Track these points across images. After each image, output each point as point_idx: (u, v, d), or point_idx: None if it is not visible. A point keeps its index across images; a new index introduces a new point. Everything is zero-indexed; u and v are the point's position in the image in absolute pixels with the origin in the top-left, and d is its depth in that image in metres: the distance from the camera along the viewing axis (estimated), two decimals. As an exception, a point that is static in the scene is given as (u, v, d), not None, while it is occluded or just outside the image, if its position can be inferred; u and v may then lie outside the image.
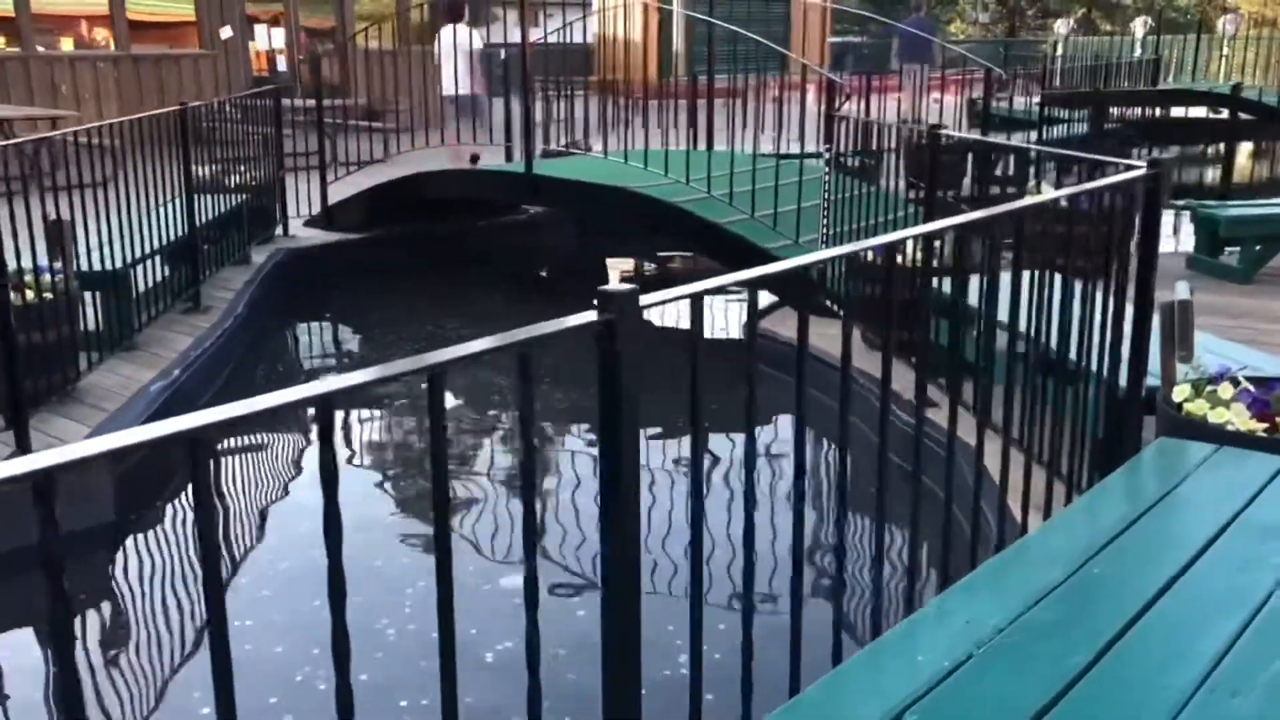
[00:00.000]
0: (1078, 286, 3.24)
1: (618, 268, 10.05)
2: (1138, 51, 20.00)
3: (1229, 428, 2.98)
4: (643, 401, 1.53)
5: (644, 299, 1.48)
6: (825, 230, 6.16)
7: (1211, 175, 14.30)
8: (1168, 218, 9.11)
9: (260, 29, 17.62)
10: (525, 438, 1.47)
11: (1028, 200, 3.01)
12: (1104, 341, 3.28)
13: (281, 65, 17.98)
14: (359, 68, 17.20)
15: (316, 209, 8.97)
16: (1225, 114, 12.90)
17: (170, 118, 6.53)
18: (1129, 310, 3.17)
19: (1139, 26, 21.29)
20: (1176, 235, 8.15)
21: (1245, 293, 6.52)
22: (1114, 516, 2.55)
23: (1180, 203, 7.32)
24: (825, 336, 5.88)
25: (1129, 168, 3.04)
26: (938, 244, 4.31)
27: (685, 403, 1.81)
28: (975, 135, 8.42)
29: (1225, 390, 3.07)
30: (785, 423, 5.63)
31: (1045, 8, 47.45)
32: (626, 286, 1.44)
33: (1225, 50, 20.07)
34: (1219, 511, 2.53)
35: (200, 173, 7.42)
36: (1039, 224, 3.23)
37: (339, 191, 9.09)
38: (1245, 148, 17.78)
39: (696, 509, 1.90)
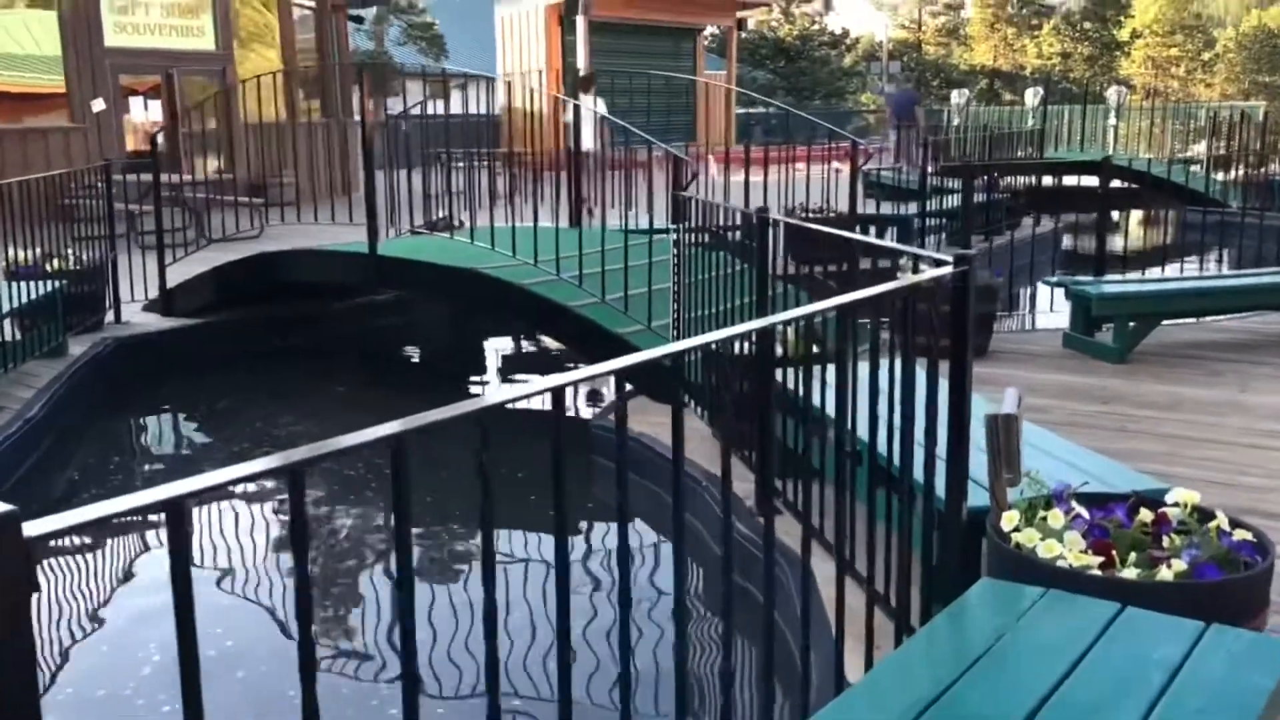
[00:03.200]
0: (897, 391, 2.82)
1: (497, 349, 9.51)
2: (1030, 122, 20.33)
3: (1060, 564, 2.55)
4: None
5: (32, 527, 0.95)
6: (676, 315, 5.72)
7: (1088, 244, 14.36)
8: (1044, 292, 8.95)
9: (137, 101, 16.95)
10: None
11: (829, 302, 2.58)
12: (928, 455, 2.87)
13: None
14: (243, 139, 16.66)
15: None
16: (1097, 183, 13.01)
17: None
18: (943, 422, 2.74)
19: (1031, 97, 21.68)
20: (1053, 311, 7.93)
21: (1119, 373, 6.22)
22: (918, 689, 2.08)
23: (1053, 279, 7.06)
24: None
25: (937, 262, 2.63)
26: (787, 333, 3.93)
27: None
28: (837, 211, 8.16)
29: (1056, 518, 2.64)
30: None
31: (949, 78, 48.93)
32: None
33: (1113, 120, 20.50)
34: (1032, 685, 2.08)
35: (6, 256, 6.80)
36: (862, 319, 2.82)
37: (188, 271, 8.45)
38: (1135, 215, 18.04)
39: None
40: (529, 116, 10.12)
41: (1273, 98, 50.60)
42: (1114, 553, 2.57)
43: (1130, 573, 2.51)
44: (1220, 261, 10.89)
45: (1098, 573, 2.52)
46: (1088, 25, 52.28)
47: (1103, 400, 5.66)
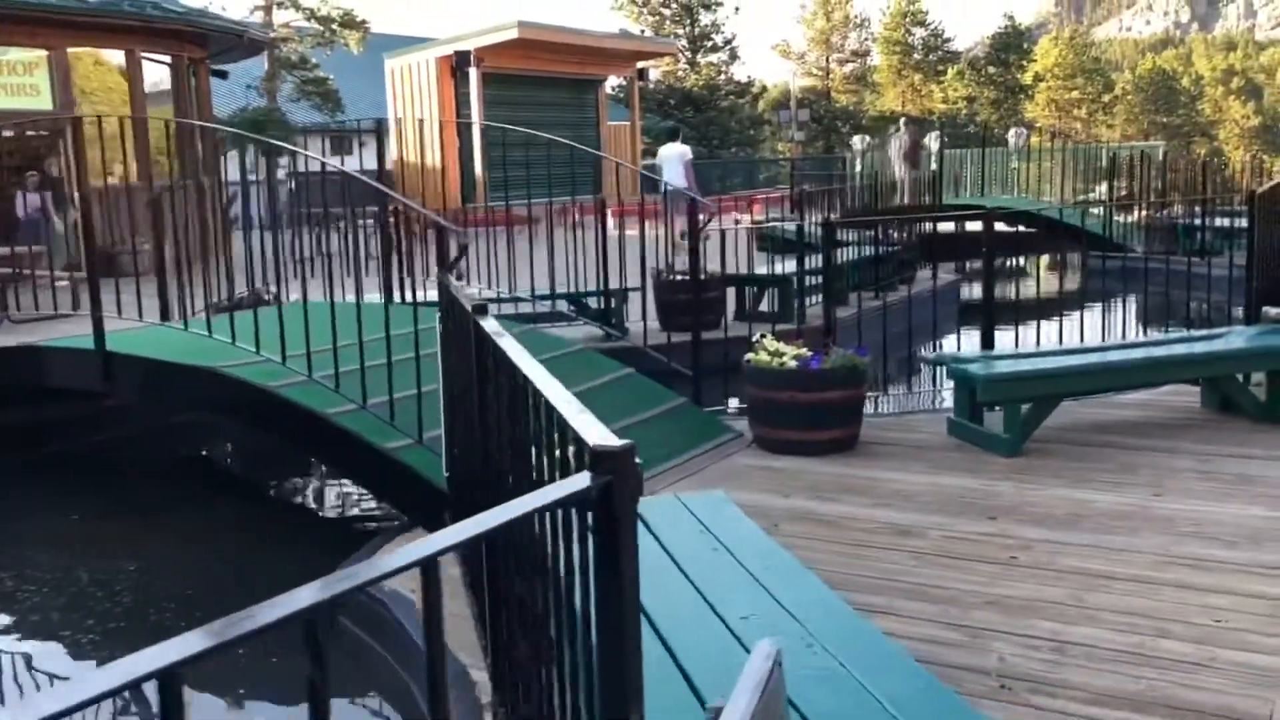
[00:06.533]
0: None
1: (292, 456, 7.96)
2: (932, 166, 19.59)
3: None
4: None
5: None
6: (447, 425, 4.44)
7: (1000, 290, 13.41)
8: (926, 371, 7.86)
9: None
10: None
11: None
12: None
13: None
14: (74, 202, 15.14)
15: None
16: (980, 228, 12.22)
17: None
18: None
19: (932, 141, 20.98)
20: (938, 391, 6.81)
21: (1011, 470, 5.08)
22: None
23: (931, 356, 5.94)
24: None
25: (578, 455, 1.40)
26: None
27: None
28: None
29: None
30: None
31: (858, 124, 48.91)
32: None
33: (1015, 163, 19.86)
34: None
35: None
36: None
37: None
38: (1044, 260, 17.29)
39: None
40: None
41: (1170, 137, 51.57)
42: None
43: None
44: (1124, 308, 9.97)
45: None
46: (992, 70, 52.72)
47: (989, 515, 4.49)
